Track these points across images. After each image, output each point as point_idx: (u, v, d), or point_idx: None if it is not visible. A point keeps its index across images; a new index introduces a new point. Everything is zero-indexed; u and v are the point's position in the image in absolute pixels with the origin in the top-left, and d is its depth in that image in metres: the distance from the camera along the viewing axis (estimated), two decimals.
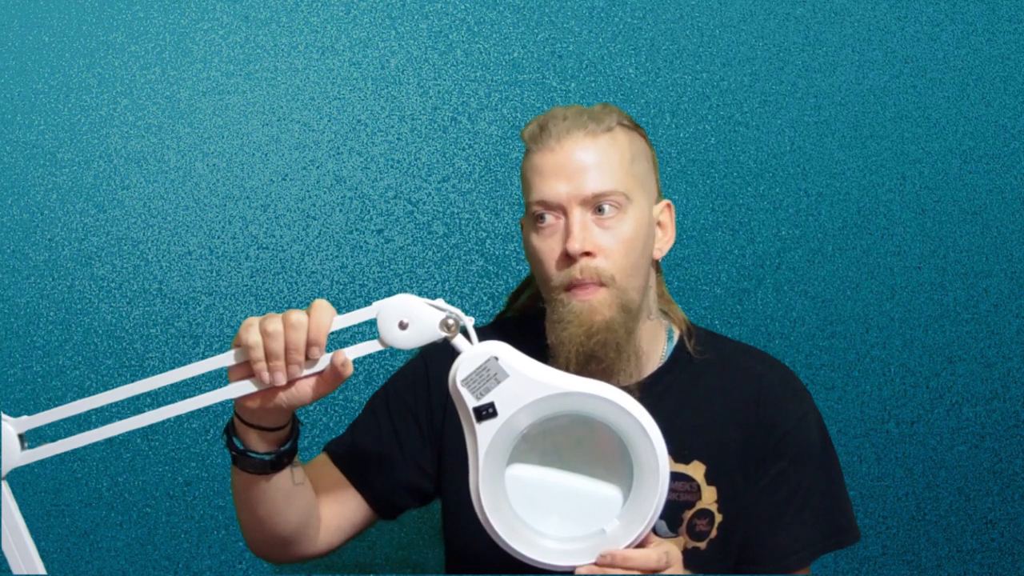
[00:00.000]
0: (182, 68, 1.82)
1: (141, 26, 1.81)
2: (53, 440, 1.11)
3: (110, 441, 1.76)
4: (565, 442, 1.13)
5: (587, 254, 1.26)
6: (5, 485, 1.09)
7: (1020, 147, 1.97)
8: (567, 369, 1.21)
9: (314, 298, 1.12)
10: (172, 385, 1.12)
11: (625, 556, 1.10)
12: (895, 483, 1.94)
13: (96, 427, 1.11)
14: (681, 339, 1.39)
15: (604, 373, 1.26)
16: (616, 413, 1.10)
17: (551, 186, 1.28)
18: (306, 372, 1.11)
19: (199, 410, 1.34)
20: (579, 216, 1.27)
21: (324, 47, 1.85)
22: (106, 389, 1.12)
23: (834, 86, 1.94)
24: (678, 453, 1.30)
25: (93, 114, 1.80)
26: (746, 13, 1.92)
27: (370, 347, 1.11)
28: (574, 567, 1.11)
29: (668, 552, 1.12)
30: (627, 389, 1.21)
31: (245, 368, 1.11)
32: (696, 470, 1.32)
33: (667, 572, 1.12)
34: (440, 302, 1.11)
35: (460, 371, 1.10)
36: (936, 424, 1.95)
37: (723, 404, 1.35)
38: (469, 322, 1.11)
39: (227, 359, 1.11)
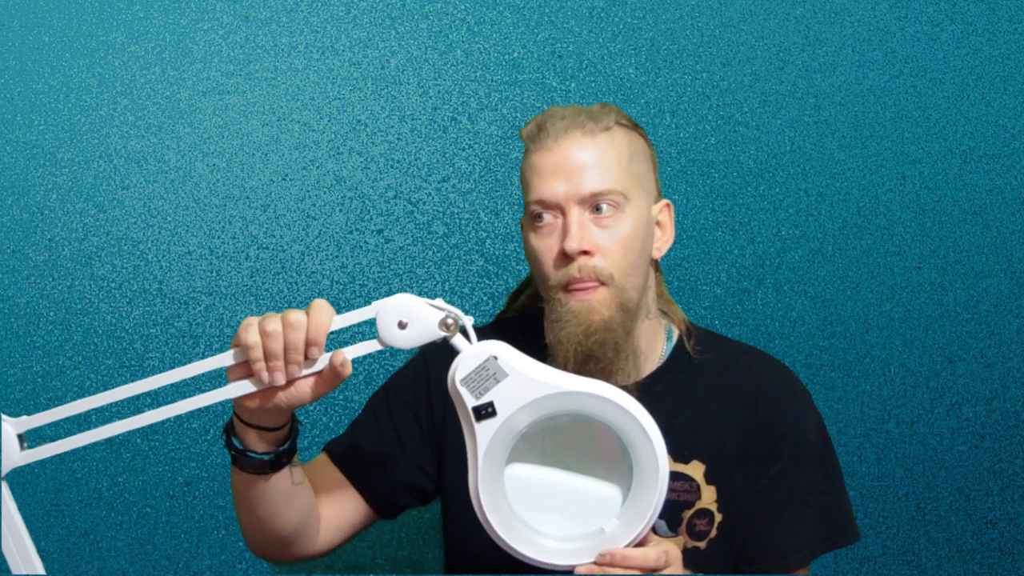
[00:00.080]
0: (182, 68, 1.82)
1: (141, 26, 1.81)
2: (53, 440, 1.11)
3: (110, 441, 1.76)
4: (564, 441, 1.13)
5: (585, 253, 1.26)
6: (5, 485, 1.09)
7: (1020, 147, 1.97)
8: (565, 368, 1.21)
9: (314, 298, 1.12)
10: (172, 385, 1.12)
11: (624, 555, 1.10)
12: (895, 483, 1.94)
13: (96, 427, 1.11)
14: (680, 339, 1.39)
15: (602, 372, 1.26)
16: (615, 412, 1.10)
17: (549, 185, 1.28)
18: (305, 372, 1.11)
19: (199, 410, 1.34)
20: (577, 215, 1.27)
21: (324, 47, 1.85)
22: (106, 389, 1.11)
23: (834, 86, 1.94)
24: (677, 453, 1.30)
25: (93, 114, 1.80)
26: (746, 13, 1.92)
27: (369, 347, 1.12)
28: (573, 566, 1.11)
29: (667, 551, 1.12)
30: (626, 388, 1.21)
31: (244, 368, 1.11)
32: (695, 470, 1.32)
33: (666, 571, 1.12)
34: (439, 302, 1.11)
35: (459, 370, 1.10)
36: (936, 424, 1.95)
37: (722, 404, 1.35)
38: (468, 321, 1.11)
39: (226, 359, 1.11)
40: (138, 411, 1.13)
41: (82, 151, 1.79)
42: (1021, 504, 1.97)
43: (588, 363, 1.26)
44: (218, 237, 1.82)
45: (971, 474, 1.96)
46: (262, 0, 1.84)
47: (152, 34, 1.81)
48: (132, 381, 1.11)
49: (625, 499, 1.12)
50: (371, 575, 1.83)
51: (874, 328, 1.93)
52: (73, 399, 1.26)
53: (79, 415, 1.12)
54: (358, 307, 1.11)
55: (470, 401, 1.09)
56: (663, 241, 1.37)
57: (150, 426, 1.31)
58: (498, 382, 1.09)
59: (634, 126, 1.35)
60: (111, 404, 1.13)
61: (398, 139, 1.86)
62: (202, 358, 1.15)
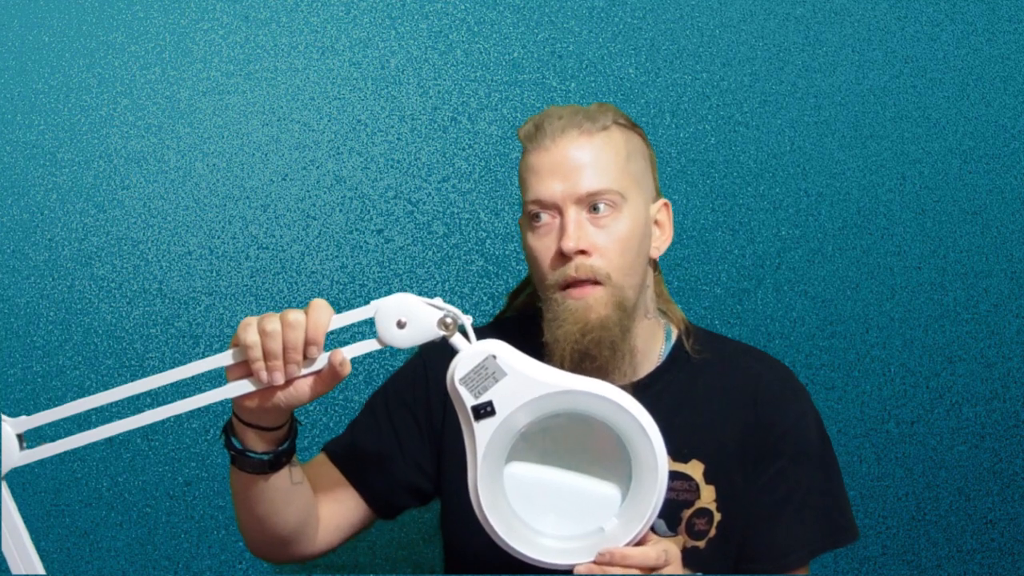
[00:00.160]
0: (182, 68, 1.82)
1: (141, 26, 1.81)
2: (53, 440, 1.11)
3: (110, 441, 1.76)
4: (564, 440, 1.13)
5: (582, 252, 1.26)
6: (4, 485, 1.09)
7: (1020, 147, 1.97)
8: (561, 367, 1.21)
9: (314, 298, 1.12)
10: (171, 385, 1.12)
11: (624, 554, 1.10)
12: (895, 483, 1.94)
13: (96, 427, 1.11)
14: (679, 338, 1.39)
15: (599, 371, 1.25)
16: (615, 411, 1.10)
17: (546, 185, 1.28)
18: (304, 371, 1.11)
19: (199, 410, 1.34)
20: (574, 215, 1.27)
21: (324, 47, 1.85)
22: (106, 389, 1.11)
23: (834, 86, 1.94)
24: (677, 452, 1.30)
25: (93, 114, 1.80)
26: (746, 13, 1.92)
27: (368, 346, 1.11)
28: (572, 565, 1.11)
29: (667, 550, 1.12)
30: (623, 388, 1.21)
31: (243, 368, 1.11)
32: (695, 469, 1.32)
33: (666, 571, 1.11)
34: (438, 301, 1.11)
35: (458, 370, 1.10)
36: (936, 424, 1.95)
37: (721, 403, 1.35)
38: (467, 321, 1.11)
39: (225, 359, 1.11)
40: (138, 411, 1.13)
41: (82, 151, 1.80)
42: (1021, 504, 1.97)
43: (584, 361, 1.26)
44: (218, 237, 1.82)
45: (971, 474, 1.95)
46: (262, 0, 1.84)
47: (152, 34, 1.81)
48: (132, 381, 1.11)
49: (624, 498, 1.12)
50: (371, 575, 1.83)
51: (874, 328, 1.93)
52: (73, 399, 1.26)
53: (79, 415, 1.12)
54: (358, 307, 1.11)
55: (469, 400, 1.09)
56: (661, 240, 1.36)
57: (150, 426, 1.31)
58: (497, 381, 1.09)
59: (632, 125, 1.35)
60: (111, 404, 1.13)
61: (398, 139, 1.86)
62: (202, 358, 1.14)
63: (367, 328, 1.64)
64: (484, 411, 1.09)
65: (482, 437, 1.10)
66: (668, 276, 1.87)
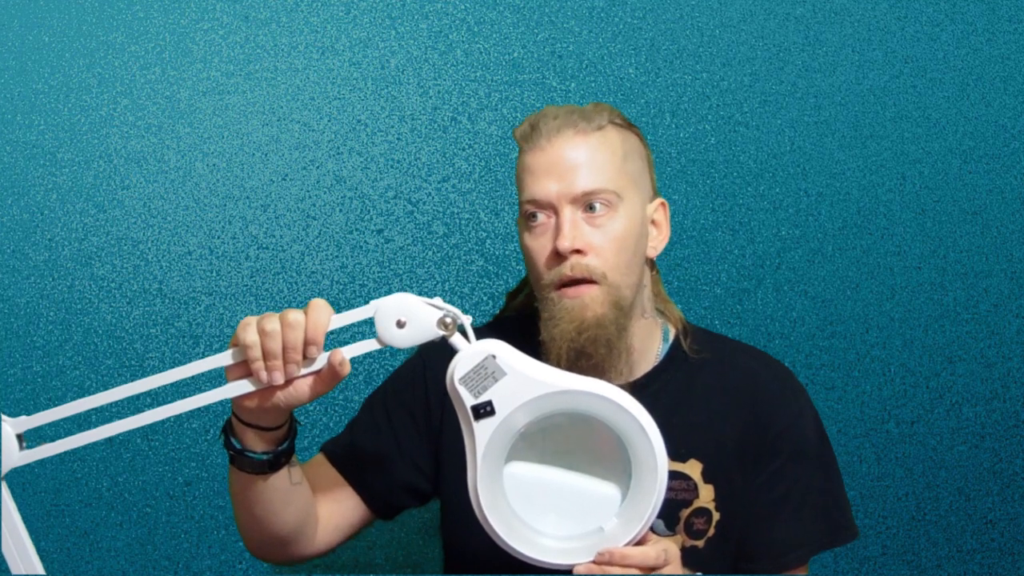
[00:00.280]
0: (182, 68, 1.82)
1: (141, 26, 1.81)
2: (53, 440, 1.11)
3: (110, 441, 1.76)
4: (563, 440, 1.13)
5: (577, 252, 1.26)
6: (4, 485, 1.09)
7: (1020, 147, 1.97)
8: (558, 365, 1.21)
9: (314, 298, 1.12)
10: (171, 385, 1.12)
11: (623, 554, 1.10)
12: (895, 483, 1.94)
13: (96, 427, 1.11)
14: (677, 338, 1.39)
15: (595, 369, 1.25)
16: (614, 411, 1.10)
17: (542, 185, 1.28)
18: (304, 371, 1.11)
19: (199, 410, 1.34)
20: (569, 214, 1.27)
21: (324, 47, 1.85)
22: (106, 389, 1.11)
23: (834, 86, 1.94)
24: (675, 451, 1.29)
25: (93, 114, 1.80)
26: (746, 13, 1.92)
27: (368, 346, 1.12)
28: (572, 565, 1.11)
29: (666, 550, 1.12)
30: (621, 387, 1.21)
31: (243, 367, 1.11)
32: (693, 468, 1.32)
33: (665, 570, 1.11)
34: (438, 301, 1.11)
35: (458, 369, 1.10)
36: (936, 424, 1.95)
37: (720, 402, 1.35)
38: (467, 320, 1.11)
39: (225, 359, 1.11)
40: (138, 411, 1.13)
41: (82, 151, 1.80)
42: (1021, 504, 1.97)
43: (580, 360, 1.26)
44: (218, 237, 1.82)
45: (971, 474, 1.95)
46: (262, 0, 1.84)
47: (152, 34, 1.81)
48: (132, 381, 1.11)
49: (624, 498, 1.12)
50: (371, 575, 1.83)
51: (874, 328, 1.93)
52: (73, 399, 1.26)
53: (79, 415, 1.12)
54: (358, 307, 1.11)
55: (468, 400, 1.09)
56: (658, 240, 1.37)
57: (150, 426, 1.31)
58: (496, 381, 1.09)
59: (628, 125, 1.35)
60: (111, 404, 1.13)
61: (398, 139, 1.86)
62: (202, 358, 1.14)
63: (367, 328, 1.64)
64: (484, 411, 1.09)
65: (482, 437, 1.10)
66: (668, 276, 1.87)
